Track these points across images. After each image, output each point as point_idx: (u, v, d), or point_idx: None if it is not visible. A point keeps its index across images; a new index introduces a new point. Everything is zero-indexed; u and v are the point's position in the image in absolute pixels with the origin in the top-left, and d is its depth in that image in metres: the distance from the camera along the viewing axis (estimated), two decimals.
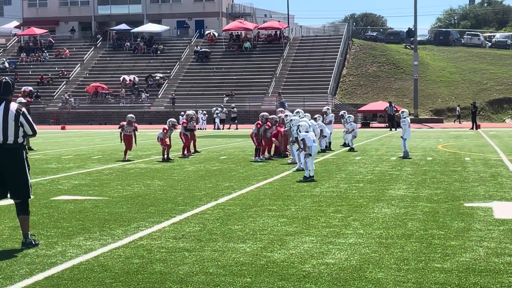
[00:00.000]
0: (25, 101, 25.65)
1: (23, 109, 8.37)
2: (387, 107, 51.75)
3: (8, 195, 8.45)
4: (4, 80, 8.46)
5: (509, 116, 63.11)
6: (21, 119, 8.27)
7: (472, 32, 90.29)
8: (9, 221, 10.08)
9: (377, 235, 8.85)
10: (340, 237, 8.77)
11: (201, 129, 54.66)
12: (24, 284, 6.64)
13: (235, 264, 7.32)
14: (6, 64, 75.46)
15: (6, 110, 8.23)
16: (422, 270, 7.04)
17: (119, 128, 21.79)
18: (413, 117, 56.40)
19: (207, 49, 73.95)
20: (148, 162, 20.73)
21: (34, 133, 8.51)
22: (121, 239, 8.72)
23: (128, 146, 21.33)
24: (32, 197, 8.58)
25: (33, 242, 8.31)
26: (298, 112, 19.65)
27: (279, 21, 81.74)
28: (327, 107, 29.67)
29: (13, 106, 8.31)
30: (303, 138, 15.28)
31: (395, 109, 49.51)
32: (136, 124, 21.64)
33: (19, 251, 8.02)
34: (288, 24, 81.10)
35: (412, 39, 67.34)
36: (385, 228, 9.38)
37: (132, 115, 22.03)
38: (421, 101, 62.52)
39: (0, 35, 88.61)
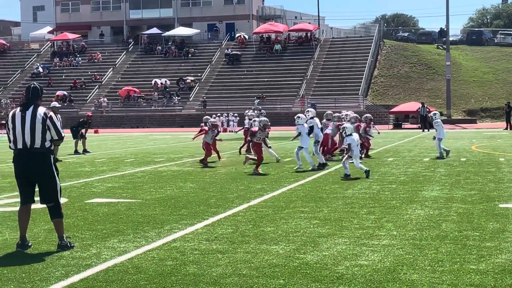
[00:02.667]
0: (59, 105, 25.85)
1: (51, 113, 8.43)
2: (419, 108, 51.40)
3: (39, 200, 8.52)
4: (32, 85, 8.62)
5: None
6: (48, 122, 8.33)
7: (506, 32, 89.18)
8: (44, 223, 10.20)
9: (410, 237, 8.78)
10: (374, 238, 8.72)
11: (232, 131, 54.79)
12: (59, 286, 6.71)
13: (268, 266, 7.32)
14: (40, 69, 76.45)
15: (34, 114, 8.32)
16: (457, 271, 6.97)
17: (200, 132, 21.37)
18: (446, 118, 55.92)
19: (237, 52, 74.13)
20: (180, 164, 20.82)
21: (60, 137, 8.52)
22: (155, 241, 8.77)
23: (209, 154, 20.33)
24: (61, 201, 8.62)
25: (68, 244, 8.39)
26: (309, 111, 19.46)
27: (309, 23, 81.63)
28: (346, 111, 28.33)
29: (41, 110, 8.39)
30: (349, 143, 16.09)
31: (427, 110, 49.14)
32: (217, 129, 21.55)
33: (54, 254, 8.11)
34: (319, 25, 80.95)
35: (444, 39, 66.76)
36: (418, 229, 9.30)
37: (213, 119, 21.97)
38: (453, 102, 61.95)
39: (34, 40, 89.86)
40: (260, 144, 18.01)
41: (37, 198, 8.63)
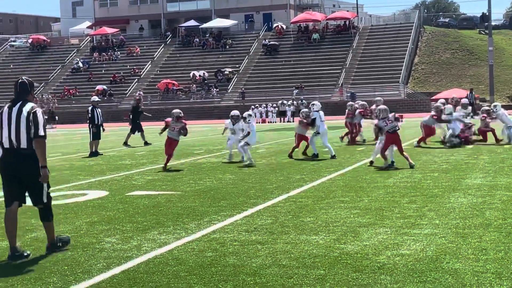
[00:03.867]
0: (99, 99, 26.14)
1: (37, 109, 7.70)
2: (468, 95, 50.73)
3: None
4: (20, 80, 7.95)
5: None
6: (31, 118, 7.61)
7: None
8: (85, 216, 10.29)
9: (453, 225, 8.64)
10: (415, 227, 8.60)
11: (271, 122, 54.75)
12: (101, 278, 6.75)
13: (308, 256, 7.26)
14: (80, 64, 77.35)
15: (20, 111, 7.66)
16: (502, 260, 6.83)
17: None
18: (489, 103, 55.03)
19: (275, 42, 73.94)
20: (219, 156, 20.85)
21: (36, 136, 7.61)
22: (194, 232, 8.77)
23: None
24: (45, 201, 7.96)
25: (58, 244, 8.00)
26: (314, 104, 19.30)
27: (347, 11, 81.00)
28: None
29: (28, 106, 7.69)
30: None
31: (474, 97, 48.55)
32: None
33: (96, 246, 8.17)
34: (357, 13, 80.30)
35: (486, 24, 65.64)
36: (461, 218, 9.14)
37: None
38: (497, 88, 60.87)
39: (73, 35, 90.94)
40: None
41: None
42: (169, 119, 17.48)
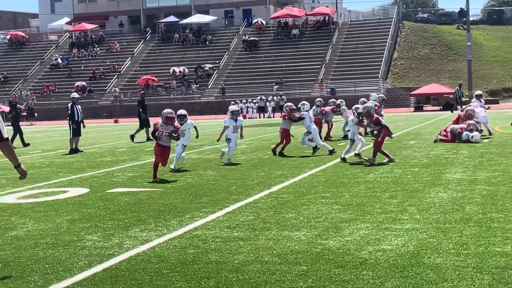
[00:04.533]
0: (78, 96, 25.99)
1: None
2: (456, 90, 51.12)
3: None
4: None
5: None
6: None
7: None
8: (66, 214, 10.23)
9: (434, 220, 8.69)
10: (396, 223, 8.64)
11: (251, 117, 54.77)
12: (83, 276, 6.71)
13: (290, 253, 7.28)
14: (59, 60, 76.86)
15: None
16: (482, 254, 6.88)
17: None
18: (468, 99, 55.43)
19: (255, 38, 73.96)
20: (200, 152, 20.82)
21: (1, 140, 6.83)
22: (176, 229, 8.75)
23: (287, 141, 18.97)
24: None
25: None
26: (304, 104, 19.32)
27: (327, 7, 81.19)
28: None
29: None
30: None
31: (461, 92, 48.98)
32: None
33: (77, 244, 8.12)
34: (337, 9, 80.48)
35: (465, 19, 66.07)
36: (442, 212, 9.20)
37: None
38: (475, 82, 61.33)
39: (52, 32, 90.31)
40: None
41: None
42: (157, 121, 14.63)
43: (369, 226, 8.50)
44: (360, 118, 16.09)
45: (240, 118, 17.45)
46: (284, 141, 18.51)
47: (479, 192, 10.86)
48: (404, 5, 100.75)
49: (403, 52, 70.54)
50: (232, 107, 17.78)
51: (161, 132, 14.23)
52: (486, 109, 23.87)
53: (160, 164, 14.40)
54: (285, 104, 19.39)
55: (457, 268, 6.40)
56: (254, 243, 7.81)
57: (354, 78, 62.78)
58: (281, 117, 19.46)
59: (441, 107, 54.11)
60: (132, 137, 27.19)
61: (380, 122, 15.84)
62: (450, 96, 55.94)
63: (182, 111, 16.49)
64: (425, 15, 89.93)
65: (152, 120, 17.13)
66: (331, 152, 18.12)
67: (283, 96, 55.50)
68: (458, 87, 51.28)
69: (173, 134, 14.24)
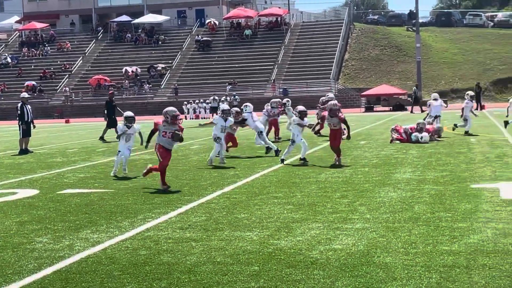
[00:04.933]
0: (28, 95, 25.59)
1: None
2: (414, 90, 51.95)
3: None
4: None
5: None
6: None
7: (474, 12, 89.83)
8: (15, 216, 10.09)
9: (384, 220, 8.83)
10: (347, 222, 8.75)
11: (204, 118, 54.66)
12: (32, 278, 6.64)
13: (242, 253, 7.31)
14: (9, 60, 75.53)
15: None
16: (430, 253, 7.02)
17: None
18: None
19: (208, 38, 73.81)
20: (152, 153, 20.67)
21: None
22: (128, 231, 8.71)
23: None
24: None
25: None
26: (246, 106, 19.41)
27: (279, 7, 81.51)
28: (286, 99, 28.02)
29: None
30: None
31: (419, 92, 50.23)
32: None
33: (27, 246, 8.02)
34: (289, 10, 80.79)
35: (414, 21, 67.09)
36: (391, 212, 9.36)
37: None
38: (424, 83, 62.30)
39: (1, 30, 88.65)
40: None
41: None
42: (159, 120, 13.07)
43: (320, 226, 8.59)
44: (301, 117, 15.95)
45: (231, 118, 16.91)
46: (231, 144, 18.51)
47: (427, 191, 11.06)
48: (355, 7, 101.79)
49: (354, 53, 71.26)
50: (224, 106, 17.33)
51: (163, 133, 12.55)
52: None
53: (154, 169, 12.99)
54: (223, 108, 19.32)
55: (406, 267, 6.52)
56: (207, 243, 7.82)
57: (306, 78, 63.17)
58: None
59: (391, 107, 54.82)
60: (102, 138, 26.98)
61: (346, 121, 15.74)
62: (400, 96, 56.75)
63: (130, 113, 15.31)
64: (376, 17, 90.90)
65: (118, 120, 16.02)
66: (276, 152, 18.14)
67: (236, 96, 55.54)
68: (415, 87, 52.16)
69: (177, 132, 12.50)
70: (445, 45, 73.78)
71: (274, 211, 9.77)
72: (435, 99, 24.46)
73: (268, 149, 18.42)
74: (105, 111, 28.42)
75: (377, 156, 17.05)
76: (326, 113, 15.20)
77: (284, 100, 24.99)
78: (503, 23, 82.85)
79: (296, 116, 16.13)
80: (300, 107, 16.35)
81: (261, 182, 12.99)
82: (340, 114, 15.43)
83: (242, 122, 18.43)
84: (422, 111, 47.36)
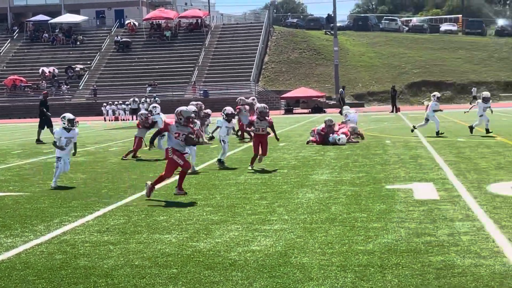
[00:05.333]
0: None
1: None
2: (340, 92, 52.80)
3: None
4: None
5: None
6: None
7: (390, 17, 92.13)
8: None
9: (301, 220, 8.96)
10: (266, 223, 8.84)
11: (123, 120, 54.01)
12: None
13: (160, 256, 7.29)
14: None
15: None
16: (346, 253, 7.17)
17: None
18: (336, 102, 57.27)
19: (127, 39, 73.04)
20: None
21: None
22: (44, 235, 8.54)
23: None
24: None
25: None
26: (155, 107, 19.42)
27: (199, 9, 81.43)
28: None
29: None
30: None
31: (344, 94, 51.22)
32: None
33: None
34: (209, 12, 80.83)
35: (332, 25, 68.22)
36: (309, 213, 9.50)
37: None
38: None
39: None
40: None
41: None
42: (170, 120, 12.05)
43: (239, 227, 8.64)
44: (230, 120, 15.83)
45: (234, 120, 16.47)
46: (136, 147, 18.38)
47: (344, 192, 11.28)
48: (274, 10, 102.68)
49: (274, 55, 71.90)
50: (229, 108, 16.22)
51: (176, 134, 11.33)
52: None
53: (164, 177, 11.57)
54: (140, 113, 19.30)
55: (322, 267, 6.64)
56: (125, 247, 7.76)
57: (226, 80, 63.32)
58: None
59: (310, 109, 55.58)
60: (38, 140, 26.30)
61: (273, 125, 15.52)
62: (319, 99, 57.59)
63: (71, 115, 13.44)
64: (295, 20, 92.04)
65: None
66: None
67: (156, 98, 55.14)
68: (341, 89, 53.09)
69: (191, 136, 11.58)
70: (362, 48, 75.34)
71: (194, 213, 9.77)
72: (349, 112, 24.37)
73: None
74: (41, 111, 27.59)
75: (295, 158, 17.27)
76: (253, 117, 14.92)
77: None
78: (418, 28, 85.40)
79: (223, 118, 15.88)
80: (228, 109, 16.08)
81: None
82: (269, 118, 15.25)
83: (152, 126, 18.33)
84: (341, 113, 48.16)
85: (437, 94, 24.27)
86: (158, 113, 18.72)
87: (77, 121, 13.24)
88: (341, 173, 13.91)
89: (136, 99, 55.71)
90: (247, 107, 24.14)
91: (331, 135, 21.00)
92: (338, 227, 8.48)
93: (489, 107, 23.28)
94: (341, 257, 6.98)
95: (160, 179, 11.49)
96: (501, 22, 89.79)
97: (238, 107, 23.66)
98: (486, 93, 23.87)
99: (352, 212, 9.46)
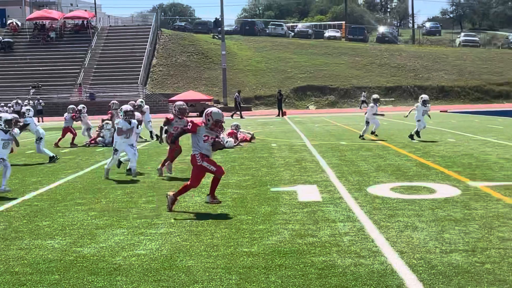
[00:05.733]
0: None
1: None
2: (236, 96, 52.99)
3: None
4: None
5: (312, 103, 66.25)
6: None
7: (276, 22, 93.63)
8: None
9: (188, 224, 8.98)
10: (152, 227, 8.80)
11: None
12: None
13: (42, 262, 7.12)
14: None
15: None
16: (231, 255, 7.25)
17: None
18: (223, 106, 57.61)
19: (10, 39, 70.63)
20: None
21: None
22: None
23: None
24: None
25: None
26: (29, 110, 19.07)
27: (86, 10, 79.85)
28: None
29: None
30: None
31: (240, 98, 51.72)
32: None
33: None
34: (95, 13, 79.41)
35: (220, 29, 68.57)
36: (196, 216, 9.54)
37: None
38: (229, 90, 63.86)
39: None
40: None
41: None
42: (170, 115, 12.36)
43: (124, 231, 8.57)
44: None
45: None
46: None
47: (230, 195, 11.39)
48: (162, 13, 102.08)
49: (162, 59, 71.50)
50: (180, 102, 14.70)
51: (206, 138, 10.15)
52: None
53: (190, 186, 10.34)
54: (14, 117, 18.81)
55: (207, 270, 6.70)
56: (4, 253, 7.53)
57: (114, 83, 62.37)
58: None
59: (198, 113, 55.66)
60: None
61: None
62: (207, 103, 57.75)
63: (9, 115, 12.74)
64: (183, 24, 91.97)
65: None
66: (52, 159, 17.79)
67: (40, 100, 53.68)
68: (237, 93, 53.34)
69: (218, 140, 10.29)
70: (249, 53, 76.17)
71: (78, 218, 9.60)
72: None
73: (52, 158, 17.86)
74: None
75: (183, 161, 17.24)
76: (171, 117, 13.60)
77: (80, 106, 24.50)
78: (303, 33, 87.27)
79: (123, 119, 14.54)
80: (126, 107, 14.44)
81: (65, 189, 12.69)
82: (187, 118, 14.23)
83: (24, 127, 17.86)
84: (242, 117, 48.73)
85: (374, 96, 23.95)
86: (31, 117, 18.31)
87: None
88: (227, 176, 14.00)
89: (19, 101, 53.99)
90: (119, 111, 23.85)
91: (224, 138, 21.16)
92: (224, 229, 8.56)
93: (428, 110, 22.28)
94: (226, 259, 7.06)
95: (185, 189, 10.24)
96: (382, 29, 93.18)
97: (110, 112, 23.31)
98: (425, 96, 22.62)
99: (238, 214, 9.57)
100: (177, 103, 12.83)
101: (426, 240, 7.66)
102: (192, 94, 58.25)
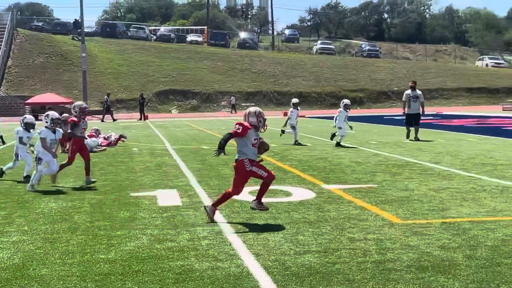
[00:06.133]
0: None
1: None
2: (105, 99, 51.84)
3: None
4: None
5: (175, 107, 66.13)
6: None
7: (138, 25, 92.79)
8: None
9: (42, 231, 8.72)
10: (3, 235, 8.48)
11: None
12: None
13: None
14: None
15: None
16: (87, 262, 7.11)
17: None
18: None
19: None
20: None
21: None
22: None
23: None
24: None
25: None
26: None
27: None
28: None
29: None
30: None
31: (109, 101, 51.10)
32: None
33: None
34: None
35: (79, 30, 67.02)
36: (51, 223, 9.28)
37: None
38: (90, 93, 62.54)
39: None
40: None
41: None
42: (73, 118, 12.92)
43: None
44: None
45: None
46: None
47: (88, 201, 11.18)
48: (18, 12, 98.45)
49: (18, 60, 68.92)
50: (29, 117, 14.24)
51: (255, 141, 9.37)
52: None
53: None
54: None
55: (62, 278, 6.53)
56: None
57: None
58: None
59: (103, 116, 54.39)
60: None
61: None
62: (66, 105, 56.25)
63: (81, 103, 13.11)
64: (40, 24, 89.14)
65: None
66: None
67: None
68: (106, 96, 52.24)
69: (263, 141, 9.68)
70: (111, 55, 74.98)
71: None
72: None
73: None
74: None
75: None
76: (76, 119, 12.79)
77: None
78: (165, 37, 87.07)
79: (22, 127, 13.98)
80: (28, 118, 13.93)
81: None
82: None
83: None
84: (114, 119, 47.88)
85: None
86: None
87: None
88: (77, 181, 13.71)
89: None
90: None
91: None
92: (81, 236, 8.38)
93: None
94: (81, 267, 6.92)
95: (225, 197, 9.34)
96: (243, 35, 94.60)
97: None
98: (347, 100, 22.00)
99: (95, 220, 9.41)
100: (77, 103, 12.59)
101: (282, 242, 7.87)
102: (50, 97, 56.59)
